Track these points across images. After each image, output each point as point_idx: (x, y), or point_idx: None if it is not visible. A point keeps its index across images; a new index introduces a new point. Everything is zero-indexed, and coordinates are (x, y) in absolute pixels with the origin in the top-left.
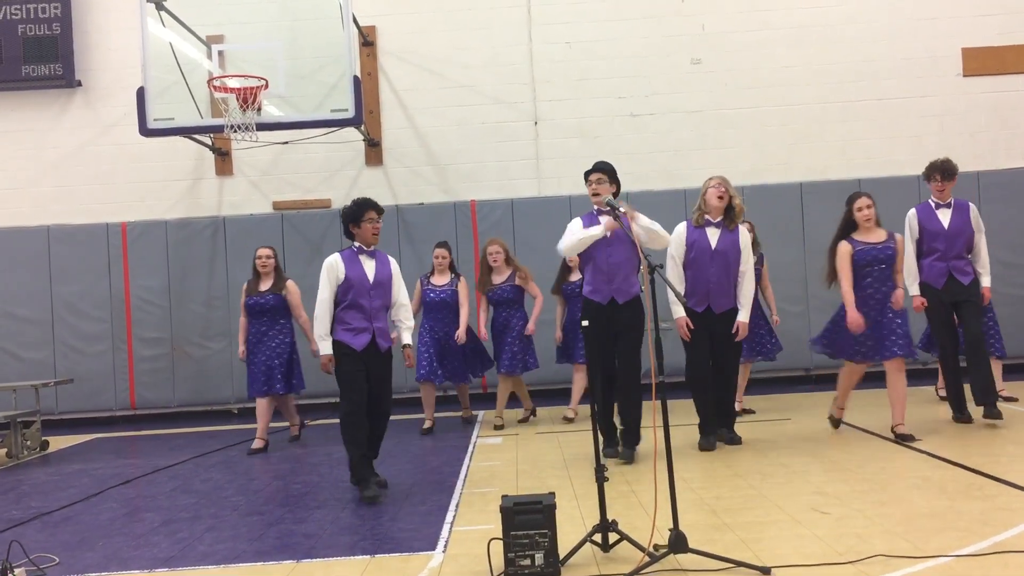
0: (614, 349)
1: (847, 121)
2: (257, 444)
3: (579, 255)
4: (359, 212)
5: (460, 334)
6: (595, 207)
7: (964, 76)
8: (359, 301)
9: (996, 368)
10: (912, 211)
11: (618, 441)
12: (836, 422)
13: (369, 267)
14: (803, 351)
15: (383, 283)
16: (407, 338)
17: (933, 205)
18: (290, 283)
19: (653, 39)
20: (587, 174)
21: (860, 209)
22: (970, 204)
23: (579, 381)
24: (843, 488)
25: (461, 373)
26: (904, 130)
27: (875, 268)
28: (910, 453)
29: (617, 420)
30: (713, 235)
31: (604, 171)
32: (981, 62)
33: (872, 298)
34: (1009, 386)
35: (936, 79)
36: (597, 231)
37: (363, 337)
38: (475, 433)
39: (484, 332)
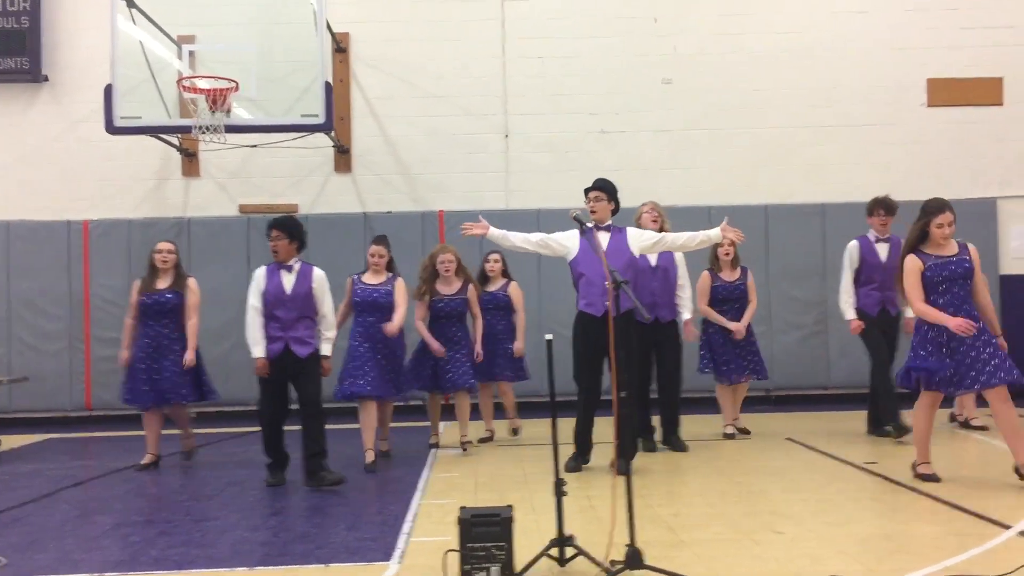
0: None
1: (814, 145)
2: (148, 459)
3: (572, 270)
4: (267, 232)
5: (391, 327)
6: (591, 223)
7: (929, 106)
8: (275, 312)
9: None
10: (854, 242)
11: (589, 457)
12: (931, 477)
13: (287, 280)
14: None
15: (300, 296)
16: (325, 349)
17: (873, 239)
18: (191, 281)
19: (626, 57)
20: (587, 191)
21: (941, 226)
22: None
23: (493, 399)
24: (799, 508)
25: (386, 386)
26: (870, 156)
27: (953, 285)
28: (866, 476)
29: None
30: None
31: (602, 189)
32: (946, 93)
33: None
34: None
35: (902, 108)
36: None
37: (277, 345)
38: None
39: (437, 344)
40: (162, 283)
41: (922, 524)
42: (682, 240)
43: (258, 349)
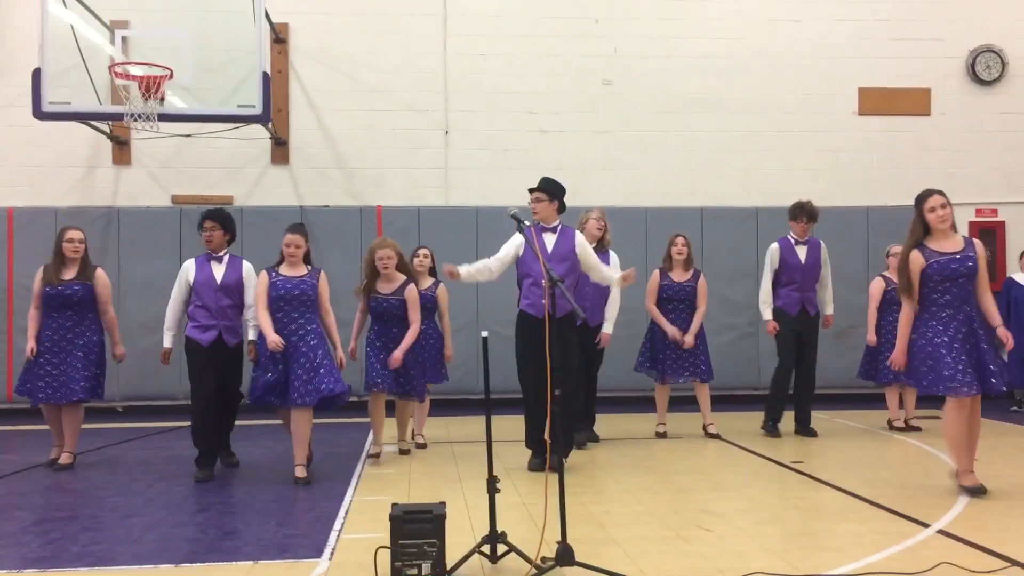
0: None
1: (748, 151)
2: (66, 459)
3: (517, 269)
4: (199, 223)
5: (340, 355)
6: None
7: (859, 114)
8: (206, 301)
9: (912, 395)
10: (775, 244)
11: (546, 457)
12: (976, 490)
13: (218, 271)
14: None
15: (230, 286)
16: (251, 334)
17: (793, 241)
18: (100, 272)
19: (566, 57)
20: (531, 190)
21: (933, 209)
22: (820, 242)
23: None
24: (727, 507)
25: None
26: (801, 163)
27: (954, 284)
28: (792, 475)
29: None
30: None
31: (544, 190)
32: (875, 102)
33: (954, 319)
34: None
35: (833, 116)
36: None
37: (210, 334)
38: (368, 440)
39: (354, 346)
40: (68, 273)
41: (845, 522)
42: (602, 272)
43: (168, 338)
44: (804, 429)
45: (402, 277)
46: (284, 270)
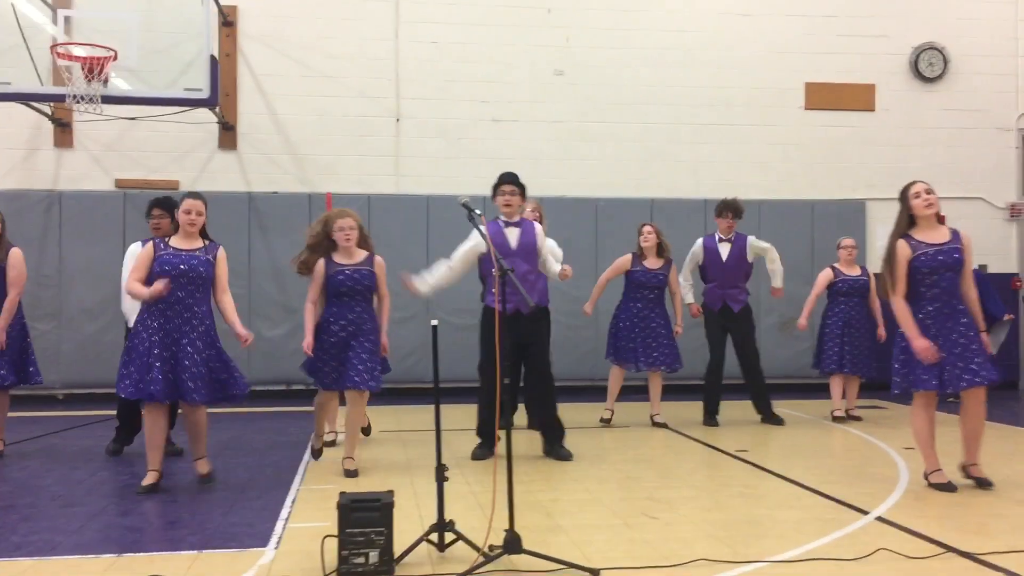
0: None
1: (698, 143)
2: None
3: (481, 264)
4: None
5: (241, 332)
6: (503, 217)
7: (806, 109)
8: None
9: (854, 385)
10: (700, 240)
11: (494, 448)
12: (946, 486)
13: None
14: None
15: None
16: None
17: (717, 238)
18: (16, 251)
19: (519, 47)
20: (498, 184)
21: (918, 195)
22: (747, 237)
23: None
24: (673, 495)
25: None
26: (750, 156)
27: (942, 278)
28: (737, 464)
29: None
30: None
31: (516, 183)
32: (821, 97)
33: (941, 312)
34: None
35: (782, 110)
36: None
37: None
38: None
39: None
40: None
41: (787, 510)
42: (548, 265)
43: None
44: (767, 419)
45: (363, 251)
46: (176, 241)
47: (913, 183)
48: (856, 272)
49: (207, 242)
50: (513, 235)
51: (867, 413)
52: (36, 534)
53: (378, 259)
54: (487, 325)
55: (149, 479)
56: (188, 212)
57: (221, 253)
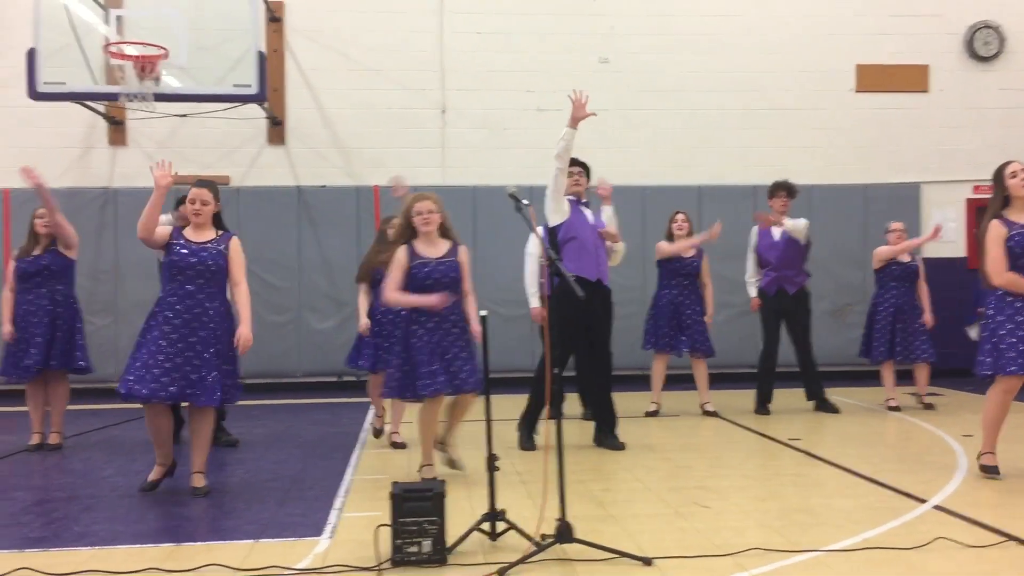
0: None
1: (745, 128)
2: (55, 439)
3: (562, 233)
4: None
5: (243, 332)
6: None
7: (856, 92)
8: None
9: (923, 371)
10: (755, 227)
11: (536, 440)
12: (994, 469)
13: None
14: None
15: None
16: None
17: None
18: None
19: (563, 35)
20: (572, 166)
21: (1015, 174)
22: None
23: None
24: (724, 484)
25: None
26: (798, 140)
27: None
28: (789, 452)
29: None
30: None
31: (583, 165)
32: (873, 79)
33: None
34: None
35: (830, 93)
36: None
37: None
38: (367, 420)
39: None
40: (39, 249)
41: (841, 498)
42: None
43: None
44: (821, 406)
45: (448, 242)
46: (190, 233)
47: (1008, 163)
48: (907, 257)
49: (220, 232)
50: (589, 213)
51: (936, 400)
52: (97, 524)
53: (462, 248)
54: (562, 300)
55: (154, 474)
56: (193, 202)
57: (234, 242)
